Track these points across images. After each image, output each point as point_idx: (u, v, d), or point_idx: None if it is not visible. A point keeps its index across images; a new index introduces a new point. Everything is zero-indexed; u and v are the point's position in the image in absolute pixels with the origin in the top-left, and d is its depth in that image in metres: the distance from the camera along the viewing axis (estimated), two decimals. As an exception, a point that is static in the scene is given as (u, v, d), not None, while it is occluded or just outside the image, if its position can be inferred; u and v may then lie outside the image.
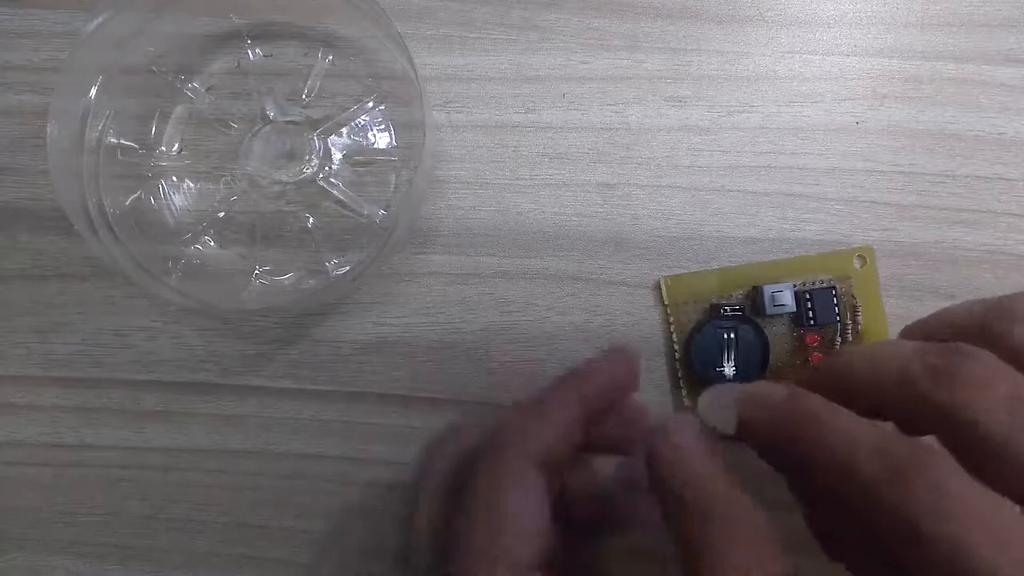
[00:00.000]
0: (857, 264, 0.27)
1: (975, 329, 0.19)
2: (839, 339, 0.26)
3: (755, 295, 0.26)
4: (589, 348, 0.27)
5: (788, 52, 0.29)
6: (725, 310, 0.26)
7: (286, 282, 0.28)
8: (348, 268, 0.27)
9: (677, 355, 0.27)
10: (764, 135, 0.29)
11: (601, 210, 0.28)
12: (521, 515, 0.19)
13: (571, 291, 0.28)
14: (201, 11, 0.29)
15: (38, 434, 0.28)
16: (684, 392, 0.27)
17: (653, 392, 0.27)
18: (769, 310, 0.26)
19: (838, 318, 0.26)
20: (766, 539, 0.17)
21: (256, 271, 0.28)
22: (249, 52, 0.29)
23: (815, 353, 0.26)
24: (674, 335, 0.27)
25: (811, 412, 0.18)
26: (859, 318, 0.26)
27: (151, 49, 0.29)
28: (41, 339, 0.28)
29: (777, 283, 0.26)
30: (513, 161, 0.28)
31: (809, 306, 0.26)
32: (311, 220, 0.28)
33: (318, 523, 0.27)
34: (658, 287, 0.27)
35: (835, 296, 0.26)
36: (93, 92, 0.27)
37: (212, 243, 0.28)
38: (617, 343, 0.27)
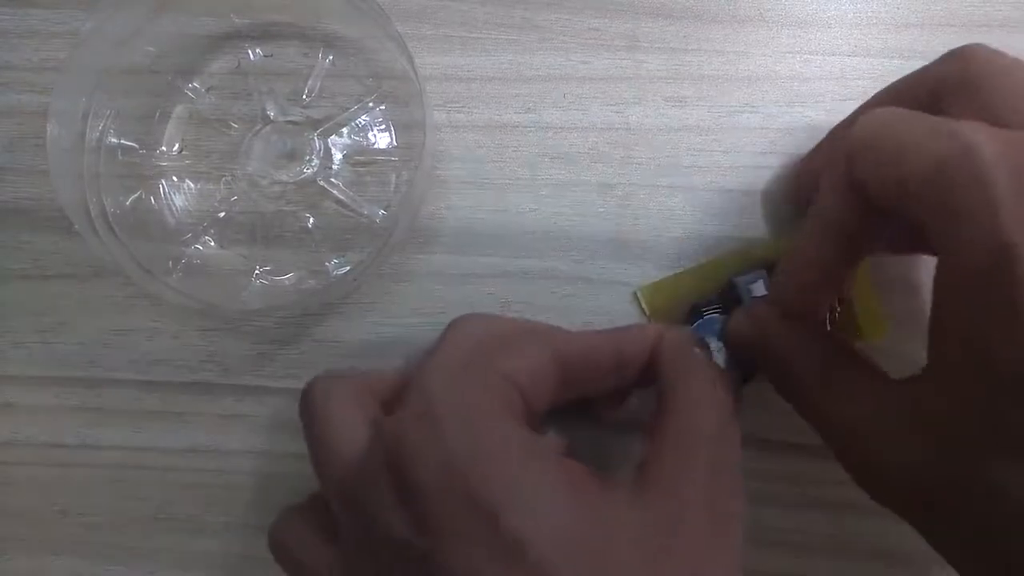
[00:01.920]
0: None
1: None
2: (828, 326, 0.26)
3: (729, 290, 0.26)
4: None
5: (788, 52, 0.29)
6: (703, 312, 0.26)
7: (286, 282, 0.28)
8: (348, 268, 0.27)
9: None
10: (764, 135, 0.29)
11: (601, 210, 0.28)
12: None
13: (571, 291, 0.28)
14: (201, 11, 0.29)
15: (38, 434, 0.28)
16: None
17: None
18: (748, 302, 0.25)
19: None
20: None
21: (256, 271, 0.28)
22: (249, 52, 0.29)
23: None
24: None
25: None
26: (856, 309, 0.26)
27: (151, 49, 0.29)
28: (41, 339, 0.28)
29: (750, 273, 0.26)
30: (513, 161, 0.28)
31: None
32: (311, 220, 0.28)
33: (318, 523, 0.27)
34: (636, 299, 0.27)
35: None
36: (93, 92, 0.27)
37: (212, 243, 0.28)
38: None
